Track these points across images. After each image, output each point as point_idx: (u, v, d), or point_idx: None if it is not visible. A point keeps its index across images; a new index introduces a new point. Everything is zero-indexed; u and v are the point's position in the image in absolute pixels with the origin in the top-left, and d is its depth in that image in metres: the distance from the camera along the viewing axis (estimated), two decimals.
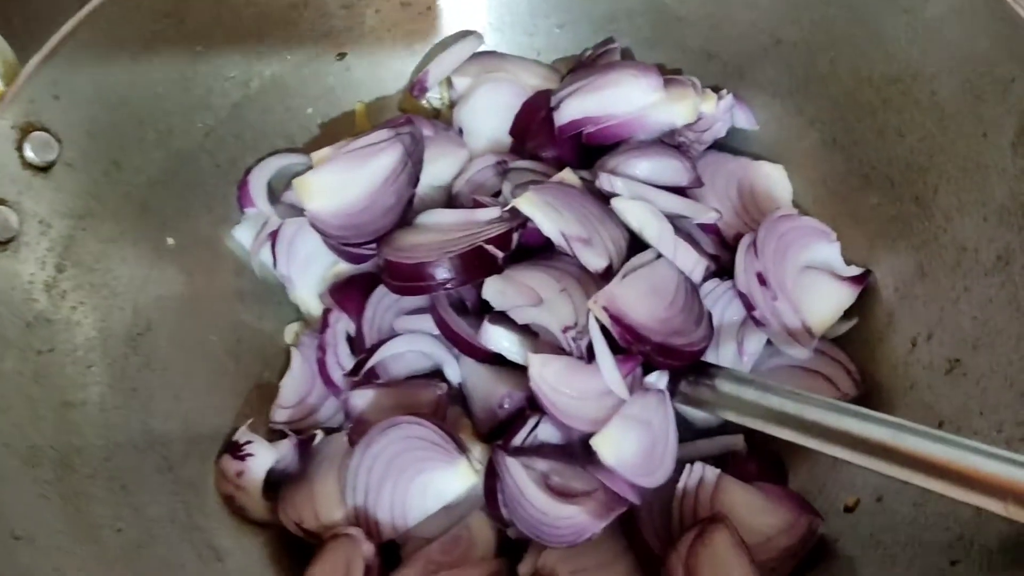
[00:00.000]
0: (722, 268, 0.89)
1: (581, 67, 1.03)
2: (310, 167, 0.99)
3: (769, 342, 0.87)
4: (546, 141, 0.97)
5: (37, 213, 0.82)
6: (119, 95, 0.89)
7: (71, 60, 0.84)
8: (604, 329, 0.78)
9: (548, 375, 0.77)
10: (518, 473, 0.75)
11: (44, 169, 0.83)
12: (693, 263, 0.84)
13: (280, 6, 0.99)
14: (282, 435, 0.90)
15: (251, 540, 0.84)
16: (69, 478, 0.77)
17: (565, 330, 0.79)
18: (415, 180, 0.90)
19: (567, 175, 0.90)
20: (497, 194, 0.94)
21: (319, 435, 0.88)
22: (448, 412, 0.87)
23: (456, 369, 0.88)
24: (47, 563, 0.69)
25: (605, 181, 0.87)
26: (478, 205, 0.89)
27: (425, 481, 0.79)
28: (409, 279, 0.82)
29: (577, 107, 0.93)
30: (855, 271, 0.88)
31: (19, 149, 0.81)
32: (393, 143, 0.89)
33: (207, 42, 0.95)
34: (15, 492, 0.72)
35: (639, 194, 0.87)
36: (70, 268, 0.84)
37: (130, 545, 0.76)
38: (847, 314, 0.87)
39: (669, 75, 0.95)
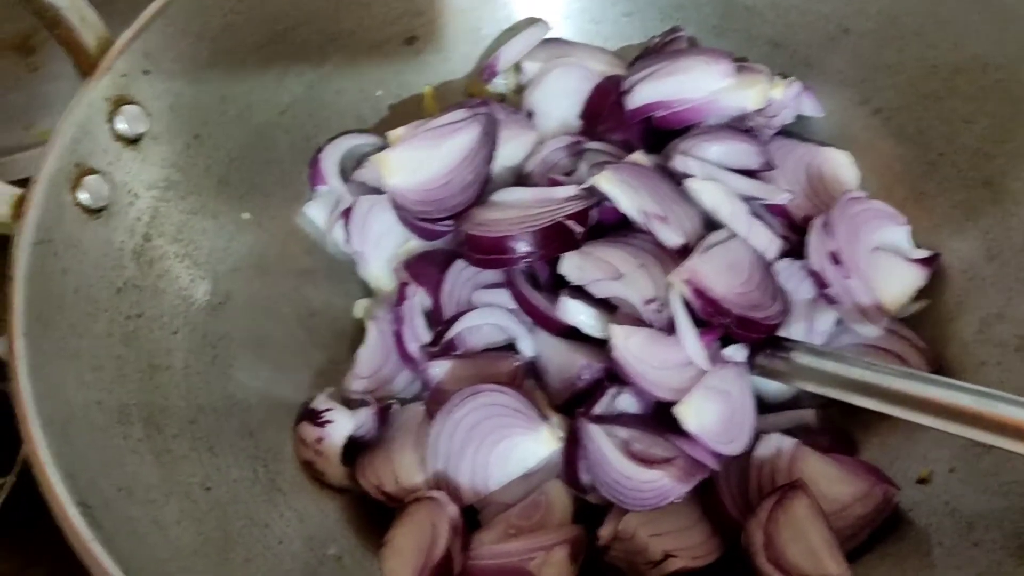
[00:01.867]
0: (792, 250, 0.90)
1: (648, 54, 1.04)
2: (380, 148, 1.02)
3: (837, 322, 0.88)
4: (615, 124, 0.99)
5: (126, 183, 0.85)
6: (203, 71, 0.91)
7: (160, 35, 0.87)
8: (685, 302, 0.79)
9: (631, 346, 0.79)
10: (601, 439, 0.77)
11: (133, 141, 0.85)
12: (768, 241, 0.86)
13: None
14: (357, 404, 0.92)
15: (329, 504, 0.86)
16: (157, 437, 0.79)
17: (647, 303, 0.81)
18: (491, 158, 0.92)
19: (639, 157, 0.92)
20: (569, 174, 0.96)
21: (395, 405, 0.90)
22: (523, 383, 0.88)
23: (529, 342, 0.89)
24: (146, 515, 0.71)
25: (680, 162, 0.89)
26: (554, 183, 0.91)
27: (507, 447, 0.80)
28: (491, 252, 0.84)
29: (649, 91, 0.95)
30: (924, 254, 0.89)
31: (110, 121, 0.83)
32: (471, 122, 0.91)
33: (286, 21, 0.97)
34: (112, 447, 0.74)
35: (712, 175, 0.89)
36: (156, 238, 0.87)
37: (219, 503, 0.78)
38: (918, 296, 0.88)
39: (739, 62, 0.97)
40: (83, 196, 0.80)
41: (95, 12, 0.87)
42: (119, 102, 0.84)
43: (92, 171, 0.82)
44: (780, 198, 0.88)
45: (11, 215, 0.78)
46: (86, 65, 0.86)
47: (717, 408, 0.77)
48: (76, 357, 0.75)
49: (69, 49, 0.86)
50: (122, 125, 0.85)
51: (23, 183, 1.10)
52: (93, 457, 0.71)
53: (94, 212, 0.81)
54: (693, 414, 0.76)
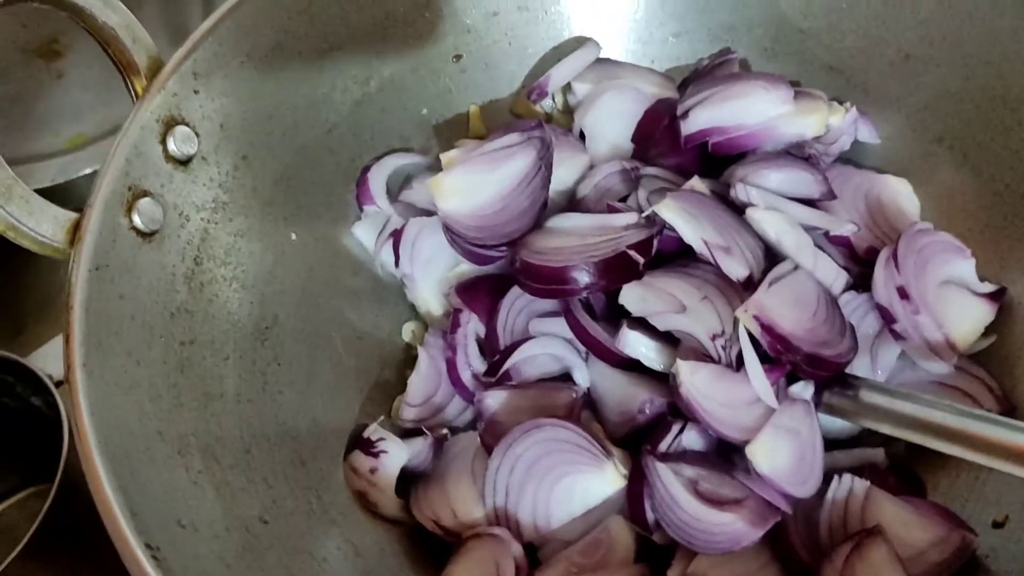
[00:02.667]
0: (854, 281, 0.89)
1: (699, 77, 1.03)
2: (426, 167, 1.00)
3: (902, 355, 0.86)
4: (669, 149, 0.98)
5: (177, 205, 0.83)
6: (251, 91, 0.90)
7: (210, 55, 0.86)
8: (752, 338, 0.77)
9: (698, 382, 0.77)
10: (668, 479, 0.75)
11: (184, 163, 0.84)
12: (835, 275, 0.85)
13: (404, 6, 0.99)
14: (408, 433, 0.90)
15: (384, 536, 0.85)
16: (215, 468, 0.77)
17: (714, 338, 0.79)
18: (547, 183, 0.90)
19: (696, 183, 0.90)
20: (624, 199, 0.94)
21: (447, 434, 0.88)
22: (580, 415, 0.86)
23: (585, 373, 0.88)
24: (211, 552, 0.70)
25: (741, 191, 0.87)
26: (612, 209, 0.89)
27: (570, 484, 0.79)
28: (550, 282, 0.83)
29: (706, 116, 0.93)
30: (991, 288, 0.87)
31: (163, 143, 0.82)
32: (525, 146, 0.89)
33: (333, 39, 0.96)
34: (173, 480, 0.72)
35: (774, 204, 0.87)
36: (205, 261, 0.85)
37: (278, 537, 0.76)
38: (986, 331, 0.86)
39: (796, 87, 0.95)
40: (137, 219, 0.79)
41: (146, 32, 0.85)
42: (171, 123, 0.83)
43: (146, 193, 0.80)
44: (845, 229, 0.87)
45: (67, 240, 0.76)
46: (138, 85, 0.85)
47: (788, 448, 0.75)
48: (136, 386, 0.74)
49: (121, 68, 0.85)
50: (174, 146, 0.83)
51: (50, 191, 1.10)
52: (157, 492, 0.69)
53: (147, 235, 0.80)
54: (765, 454, 0.74)
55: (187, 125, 0.84)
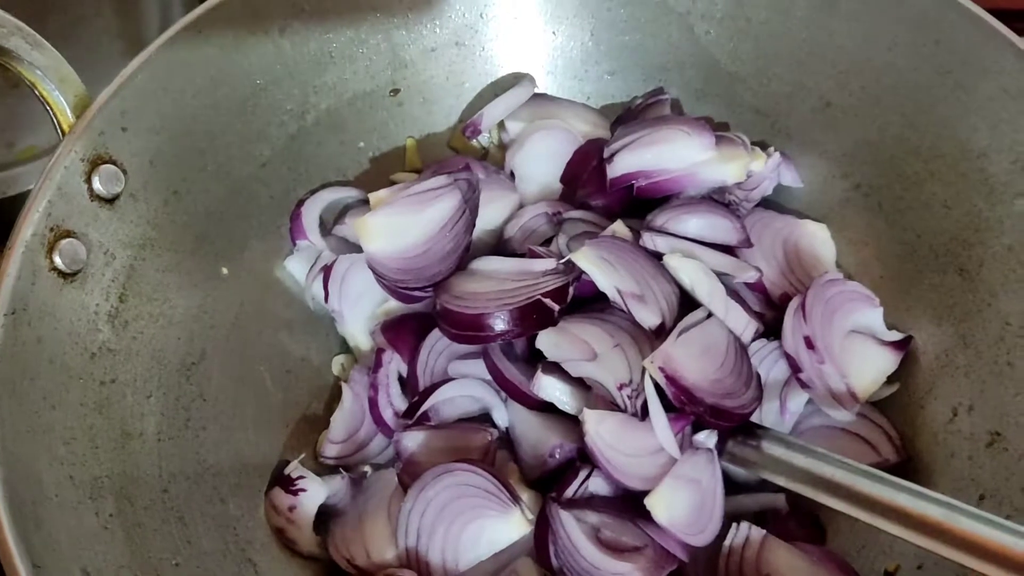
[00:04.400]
0: (768, 327, 0.91)
1: (630, 116, 1.05)
2: (361, 201, 1.02)
3: (810, 402, 0.89)
4: (596, 190, 0.99)
5: (103, 244, 0.83)
6: (182, 126, 0.90)
7: (140, 92, 0.86)
8: (658, 387, 0.80)
9: (603, 432, 0.79)
10: (571, 527, 0.77)
11: (110, 201, 0.84)
12: (744, 324, 0.87)
13: (340, 42, 1.00)
14: (330, 469, 0.92)
15: (300, 573, 0.86)
16: (129, 510, 0.78)
17: (620, 387, 0.81)
18: (471, 227, 0.92)
19: (619, 228, 0.92)
20: (548, 242, 0.96)
21: (368, 471, 0.90)
22: (496, 456, 0.88)
23: (504, 414, 0.90)
24: None
25: (648, 240, 0.89)
26: (533, 254, 0.91)
27: (478, 528, 0.81)
28: (467, 328, 0.85)
29: (630, 160, 0.95)
30: (897, 336, 0.90)
31: (88, 181, 0.82)
32: (451, 189, 0.91)
33: (268, 74, 0.96)
34: (82, 525, 0.74)
35: (684, 251, 0.89)
36: (131, 298, 0.86)
37: None
38: (889, 379, 0.89)
39: (719, 131, 0.97)
40: (59, 260, 0.79)
41: (73, 71, 0.86)
42: (97, 161, 0.83)
43: (69, 234, 0.81)
44: (747, 276, 0.89)
45: None
46: (65, 124, 0.85)
47: (687, 498, 0.78)
48: (49, 431, 0.75)
49: (48, 108, 0.85)
50: (99, 185, 0.83)
51: (4, 203, 1.10)
52: (63, 540, 0.70)
53: (69, 276, 0.80)
54: (663, 506, 0.76)
55: (114, 163, 0.85)
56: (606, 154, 0.97)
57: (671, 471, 0.78)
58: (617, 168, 0.96)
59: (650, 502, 0.76)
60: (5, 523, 0.66)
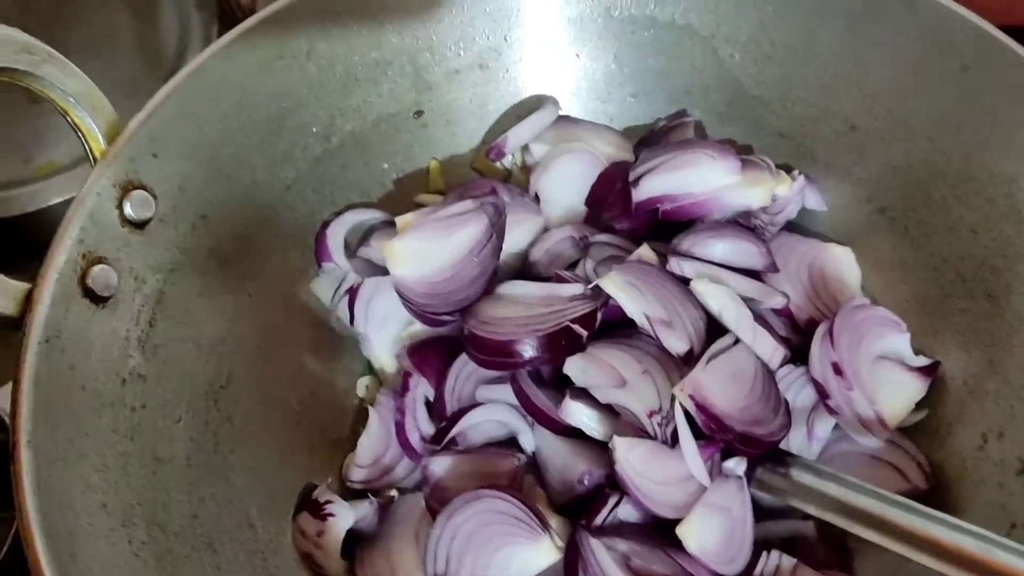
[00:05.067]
0: (794, 352, 0.91)
1: (654, 138, 1.05)
2: (385, 223, 1.02)
3: (837, 427, 0.89)
4: (621, 213, 1.00)
5: (133, 269, 0.84)
6: (210, 150, 0.91)
7: (169, 118, 0.87)
8: (687, 415, 0.80)
9: (633, 460, 0.79)
10: (602, 555, 0.77)
11: (140, 226, 0.85)
12: (772, 351, 0.87)
13: (366, 65, 1.01)
14: (357, 493, 0.92)
15: None
16: (160, 537, 0.78)
17: (650, 415, 0.81)
18: (499, 251, 0.92)
19: (645, 252, 0.92)
20: (574, 265, 0.96)
21: (395, 495, 0.90)
22: (523, 482, 0.88)
23: (531, 439, 0.90)
24: None
25: (675, 265, 0.89)
26: (559, 279, 0.91)
27: (508, 555, 0.81)
28: (495, 354, 0.85)
29: (656, 184, 0.96)
30: (924, 362, 0.90)
31: (119, 207, 0.83)
32: (478, 214, 0.91)
33: (293, 98, 0.97)
34: (115, 553, 0.74)
35: (711, 275, 0.90)
36: (160, 323, 0.86)
37: None
38: (917, 405, 0.89)
39: (744, 155, 0.97)
40: (91, 286, 0.80)
41: (105, 98, 0.87)
42: (128, 187, 0.84)
43: (100, 260, 0.81)
44: (775, 302, 0.89)
45: (17, 311, 0.77)
46: (96, 150, 0.86)
47: (718, 527, 0.78)
48: (82, 458, 0.75)
49: (80, 135, 0.86)
50: (131, 211, 0.84)
51: (22, 219, 1.11)
52: (96, 569, 0.70)
53: (101, 301, 0.81)
54: (695, 535, 0.76)
55: (145, 189, 0.85)
56: (631, 177, 0.97)
57: (701, 499, 0.78)
58: (643, 192, 0.96)
59: (681, 531, 0.76)
60: (41, 553, 0.66)
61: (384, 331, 0.98)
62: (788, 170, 1.00)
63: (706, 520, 0.77)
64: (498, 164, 1.11)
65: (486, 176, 1.10)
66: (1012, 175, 0.87)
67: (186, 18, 1.46)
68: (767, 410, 0.83)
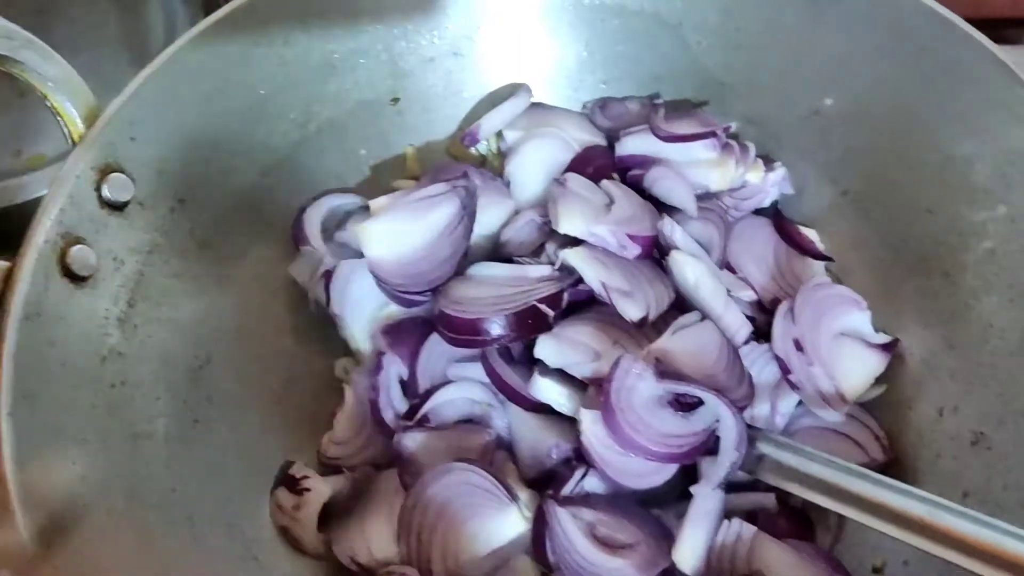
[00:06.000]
0: (758, 330, 0.93)
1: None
2: (362, 207, 1.04)
3: (801, 402, 0.91)
4: None
5: (112, 250, 0.85)
6: (189, 135, 0.92)
7: (148, 103, 0.88)
8: None
9: (599, 431, 0.81)
10: (567, 523, 0.80)
11: (119, 208, 0.86)
12: (739, 325, 0.89)
13: (342, 52, 1.02)
14: (334, 469, 0.94)
15: (305, 571, 0.89)
16: (138, 509, 0.80)
17: None
18: (470, 232, 0.94)
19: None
20: (539, 249, 0.98)
21: (370, 470, 0.92)
22: (495, 457, 0.90)
23: (502, 415, 0.92)
24: None
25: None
26: (530, 260, 0.93)
27: (477, 526, 0.83)
28: (464, 333, 0.87)
29: (639, 144, 1.01)
30: (884, 339, 0.92)
31: (98, 189, 0.84)
32: (450, 196, 0.94)
33: (271, 84, 0.99)
34: (94, 526, 0.76)
35: (695, 252, 0.92)
36: (140, 303, 0.88)
37: None
38: (877, 380, 0.91)
39: (730, 139, 1.01)
40: (70, 266, 0.81)
41: (84, 82, 0.88)
42: (106, 170, 0.85)
43: (79, 240, 0.83)
44: (743, 295, 0.92)
45: None
46: (75, 134, 0.87)
47: (705, 537, 0.81)
48: (61, 432, 0.77)
49: (59, 119, 0.88)
50: (109, 193, 0.85)
51: (12, 210, 1.12)
52: (75, 539, 0.72)
53: (80, 281, 0.82)
54: (688, 555, 0.79)
55: (123, 172, 0.87)
56: (621, 136, 1.00)
57: (689, 512, 0.80)
58: (626, 147, 1.01)
59: (678, 559, 0.79)
60: (20, 523, 0.68)
61: (360, 312, 1.00)
62: (769, 161, 1.02)
63: (696, 534, 0.80)
64: (473, 150, 1.13)
65: (461, 162, 1.12)
66: (967, 156, 0.89)
67: (172, 12, 1.47)
68: (732, 379, 0.85)
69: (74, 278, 0.82)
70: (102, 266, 0.84)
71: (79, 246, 0.82)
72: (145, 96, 0.88)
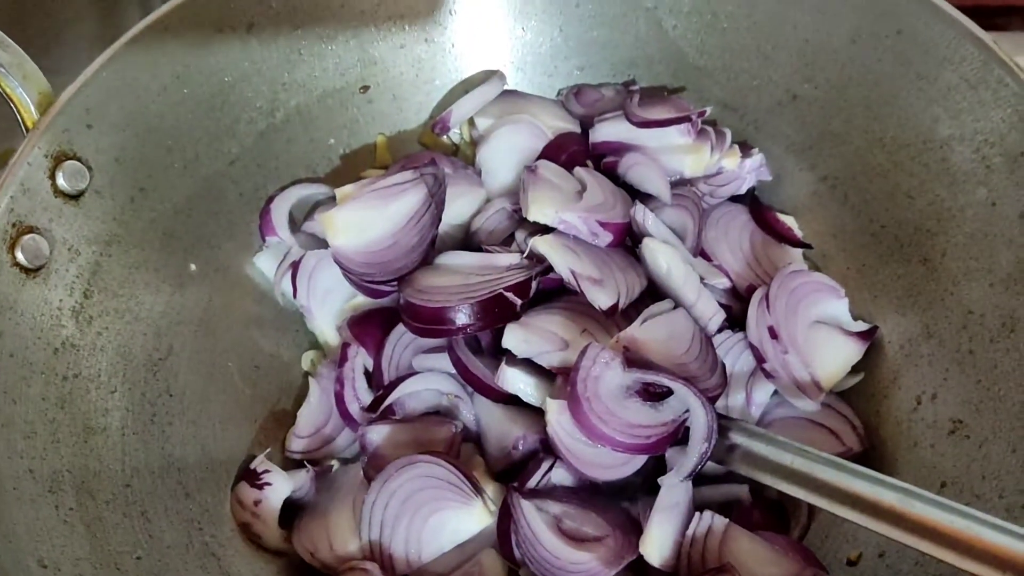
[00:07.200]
0: (733, 319, 0.91)
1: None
2: (331, 197, 1.02)
3: (777, 392, 0.89)
4: None
5: (66, 240, 0.83)
6: (149, 123, 0.90)
7: (104, 89, 0.86)
8: None
9: (565, 421, 0.79)
10: (532, 517, 0.77)
11: (75, 197, 0.84)
12: (711, 313, 0.87)
13: (309, 39, 1.00)
14: (297, 464, 0.92)
15: (265, 568, 0.86)
16: (90, 504, 0.78)
17: None
18: (437, 221, 0.92)
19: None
20: (509, 238, 0.96)
21: (335, 465, 0.90)
22: (461, 449, 0.88)
23: (469, 407, 0.90)
24: None
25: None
26: (500, 249, 0.91)
27: (441, 520, 0.81)
28: (429, 322, 0.85)
29: (612, 131, 0.99)
30: (862, 327, 0.90)
31: (52, 178, 0.82)
32: (417, 184, 0.91)
33: (236, 72, 0.96)
34: (40, 518, 0.74)
35: (668, 239, 0.90)
36: (96, 294, 0.86)
37: (151, 573, 0.78)
38: (854, 369, 0.89)
39: (708, 125, 0.98)
40: (20, 256, 0.79)
41: (38, 68, 0.86)
42: (60, 158, 0.83)
43: (31, 229, 0.81)
44: (718, 282, 0.90)
45: None
46: (29, 121, 0.85)
47: (672, 531, 0.78)
48: (8, 425, 0.75)
49: (12, 105, 0.86)
50: (63, 181, 0.83)
51: None
52: (20, 533, 0.70)
53: (31, 271, 0.80)
54: (656, 546, 0.77)
55: (78, 160, 0.85)
56: (595, 122, 0.98)
57: (656, 504, 0.78)
58: (600, 134, 0.99)
59: (645, 551, 0.76)
60: None
61: (327, 304, 0.98)
62: (747, 147, 1.00)
63: (663, 527, 0.78)
64: (445, 139, 1.11)
65: (433, 151, 1.10)
66: (945, 139, 0.87)
67: (149, 7, 1.45)
68: (704, 369, 0.83)
69: (24, 268, 0.79)
70: (56, 256, 0.82)
71: (31, 235, 0.81)
72: (102, 83, 0.86)
